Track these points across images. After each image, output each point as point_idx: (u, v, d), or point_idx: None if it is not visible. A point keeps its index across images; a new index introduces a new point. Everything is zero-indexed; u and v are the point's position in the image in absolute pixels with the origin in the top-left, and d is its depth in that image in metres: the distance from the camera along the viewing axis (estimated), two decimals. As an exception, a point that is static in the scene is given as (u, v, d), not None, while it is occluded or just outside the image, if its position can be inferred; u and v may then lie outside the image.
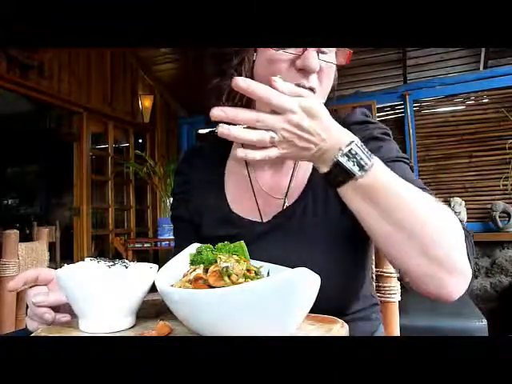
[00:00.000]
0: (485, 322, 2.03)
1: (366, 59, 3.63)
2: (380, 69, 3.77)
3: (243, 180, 0.76)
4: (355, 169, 0.51)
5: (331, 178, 0.53)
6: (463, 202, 3.19)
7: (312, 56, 0.61)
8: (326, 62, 0.63)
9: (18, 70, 2.95)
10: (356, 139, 0.53)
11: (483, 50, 3.37)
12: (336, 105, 3.88)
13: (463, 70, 3.60)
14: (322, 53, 0.63)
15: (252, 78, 0.69)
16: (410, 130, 3.53)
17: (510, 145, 3.17)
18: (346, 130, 0.54)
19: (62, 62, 3.36)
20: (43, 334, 0.50)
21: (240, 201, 0.75)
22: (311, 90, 0.63)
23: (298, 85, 0.61)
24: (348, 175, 0.52)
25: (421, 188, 0.57)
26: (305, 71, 0.62)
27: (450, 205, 3.18)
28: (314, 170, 0.72)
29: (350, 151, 0.51)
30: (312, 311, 0.46)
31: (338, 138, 0.52)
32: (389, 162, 0.64)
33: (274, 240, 0.68)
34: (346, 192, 0.53)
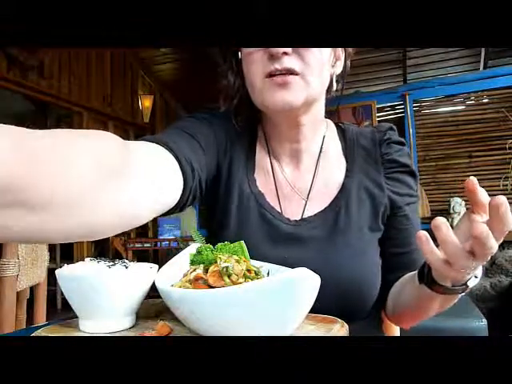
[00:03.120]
0: (485, 321, 2.02)
1: (365, 59, 3.63)
2: (380, 69, 3.77)
3: (268, 169, 0.73)
4: (471, 286, 0.51)
5: (445, 289, 0.51)
6: (463, 202, 3.19)
7: None
8: None
9: (18, 70, 2.95)
10: None
11: (483, 49, 3.37)
12: (336, 105, 3.87)
13: (463, 70, 3.60)
14: None
15: (242, 77, 0.69)
16: (410, 130, 3.53)
17: (510, 145, 3.17)
18: None
19: (62, 62, 3.36)
20: (43, 334, 0.50)
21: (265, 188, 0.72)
22: (289, 70, 0.60)
23: (273, 76, 0.60)
24: (463, 290, 0.51)
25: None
26: (274, 56, 0.60)
27: (449, 205, 3.19)
28: (346, 179, 0.71)
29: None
30: (322, 312, 0.46)
31: None
32: (411, 204, 0.71)
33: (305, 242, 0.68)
34: (437, 295, 0.53)
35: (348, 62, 0.73)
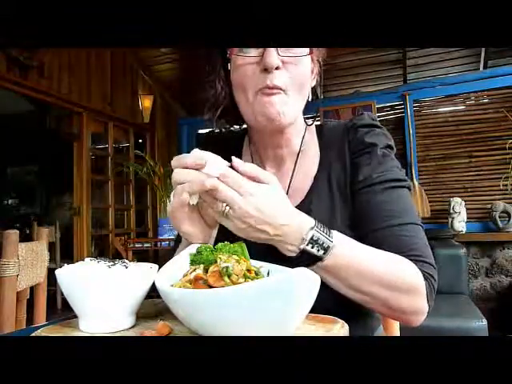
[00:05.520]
0: (485, 321, 2.02)
1: (366, 59, 3.63)
2: (380, 69, 3.77)
3: None
4: (320, 253, 0.56)
5: (298, 261, 0.56)
6: (463, 202, 3.19)
7: (270, 54, 0.63)
8: (287, 56, 0.64)
9: (18, 69, 2.95)
10: (314, 223, 0.57)
11: (483, 49, 3.37)
12: (336, 105, 3.89)
13: (463, 70, 3.60)
14: None
15: (229, 86, 0.72)
16: (410, 130, 3.53)
17: (510, 145, 3.17)
18: (303, 213, 0.58)
19: (62, 62, 3.36)
20: (43, 334, 0.50)
21: None
22: (276, 88, 0.64)
23: (264, 91, 0.64)
24: (315, 259, 0.56)
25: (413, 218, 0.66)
26: (267, 70, 0.64)
27: (449, 205, 3.18)
28: (318, 173, 0.73)
29: (312, 238, 0.55)
30: (321, 312, 0.46)
31: (298, 225, 0.56)
32: (388, 188, 0.68)
33: None
34: (313, 270, 0.55)
35: (319, 77, 0.77)
